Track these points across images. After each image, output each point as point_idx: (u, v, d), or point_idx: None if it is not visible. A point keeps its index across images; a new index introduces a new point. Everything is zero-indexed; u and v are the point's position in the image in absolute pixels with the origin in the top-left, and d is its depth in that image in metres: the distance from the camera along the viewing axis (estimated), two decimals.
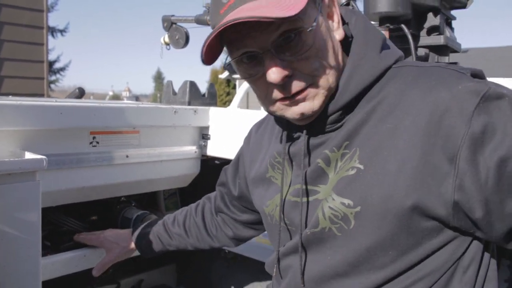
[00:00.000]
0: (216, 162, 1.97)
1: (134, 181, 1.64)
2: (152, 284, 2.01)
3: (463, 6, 1.44)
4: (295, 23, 0.81)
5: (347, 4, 1.45)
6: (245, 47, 0.85)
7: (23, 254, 1.04)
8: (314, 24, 0.82)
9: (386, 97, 0.87)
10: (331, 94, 0.89)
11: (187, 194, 2.03)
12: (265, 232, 1.25)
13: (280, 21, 0.79)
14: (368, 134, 0.87)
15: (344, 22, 0.96)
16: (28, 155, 1.14)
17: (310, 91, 0.87)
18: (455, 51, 1.51)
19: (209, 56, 0.87)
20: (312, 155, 0.96)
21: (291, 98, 0.87)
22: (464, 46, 1.61)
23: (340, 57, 0.92)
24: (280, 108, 0.90)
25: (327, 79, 0.87)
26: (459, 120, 0.76)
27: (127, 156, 1.57)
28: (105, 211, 1.76)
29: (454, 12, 1.53)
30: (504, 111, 0.77)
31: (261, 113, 1.66)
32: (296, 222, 0.98)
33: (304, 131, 0.96)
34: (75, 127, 1.42)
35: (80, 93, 2.30)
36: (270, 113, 0.97)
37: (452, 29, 1.53)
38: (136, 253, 1.53)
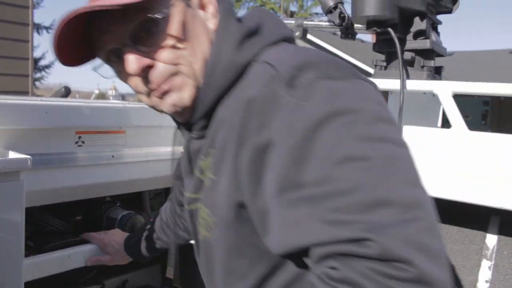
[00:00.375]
0: None
1: (119, 181, 1.63)
2: (137, 284, 2.00)
3: (449, 11, 1.46)
4: (147, 12, 0.79)
5: (335, 7, 1.46)
6: (106, 44, 0.83)
7: (5, 254, 1.03)
8: (166, 11, 0.80)
9: (237, 98, 0.81)
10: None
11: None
12: None
13: (117, 8, 0.76)
14: (219, 137, 0.83)
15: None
16: (12, 155, 1.13)
17: (176, 81, 0.83)
18: (440, 55, 1.52)
19: (70, 57, 0.87)
20: (194, 162, 0.94)
21: (159, 90, 0.83)
22: (449, 49, 1.63)
23: (206, 45, 0.86)
24: (155, 102, 0.87)
25: (192, 68, 0.83)
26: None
27: (113, 156, 1.56)
28: (90, 211, 1.75)
29: (439, 17, 1.55)
30: None
31: None
32: (191, 229, 1.00)
33: (186, 137, 0.95)
34: (61, 127, 1.41)
35: (66, 92, 2.27)
36: (155, 109, 0.92)
37: (438, 33, 1.54)
38: None
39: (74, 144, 1.46)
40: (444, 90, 1.31)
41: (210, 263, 0.92)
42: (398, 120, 1.31)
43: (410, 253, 0.58)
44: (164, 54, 0.82)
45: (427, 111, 1.64)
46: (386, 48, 1.49)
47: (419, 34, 1.42)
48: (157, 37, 0.81)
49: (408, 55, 1.44)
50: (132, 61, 0.81)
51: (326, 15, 1.51)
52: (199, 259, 1.00)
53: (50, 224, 1.57)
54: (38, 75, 18.70)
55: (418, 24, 1.40)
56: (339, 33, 1.58)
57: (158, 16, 0.80)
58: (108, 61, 0.87)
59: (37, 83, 18.52)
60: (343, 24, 1.46)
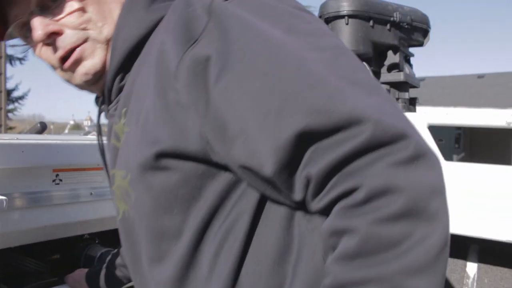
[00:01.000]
0: None
1: (98, 218, 1.61)
2: None
3: (421, 44, 1.51)
4: None
5: None
6: (16, 17, 0.81)
7: None
8: None
9: (149, 51, 0.77)
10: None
11: None
12: None
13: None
14: (136, 92, 0.78)
15: None
16: None
17: (86, 47, 0.80)
18: (414, 87, 1.57)
19: None
20: (110, 136, 0.87)
21: (70, 60, 0.80)
22: (419, 74, 1.67)
23: (116, 6, 0.82)
24: (67, 75, 0.84)
25: (101, 31, 0.81)
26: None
27: (91, 194, 1.54)
28: (68, 250, 1.71)
29: (412, 49, 1.60)
30: None
31: None
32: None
33: (101, 106, 0.90)
34: (38, 165, 1.39)
35: (42, 128, 2.24)
36: (70, 83, 0.87)
37: (410, 65, 1.59)
38: None
39: (52, 183, 1.44)
40: (420, 122, 1.34)
41: (134, 245, 0.82)
42: None
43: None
44: (71, 19, 0.80)
45: None
46: None
47: (393, 67, 1.46)
48: (63, 3, 0.79)
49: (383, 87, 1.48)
50: (37, 27, 0.78)
51: None
52: (123, 250, 0.90)
53: (26, 265, 1.52)
54: (11, 106, 18.43)
55: (392, 57, 1.44)
56: None
57: None
58: (25, 38, 0.84)
59: (10, 114, 18.24)
60: None
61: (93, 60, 0.82)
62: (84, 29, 0.80)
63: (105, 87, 0.84)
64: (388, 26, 1.38)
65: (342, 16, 1.31)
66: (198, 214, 0.70)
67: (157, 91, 0.70)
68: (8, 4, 0.81)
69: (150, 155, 0.69)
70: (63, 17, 0.79)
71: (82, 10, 0.80)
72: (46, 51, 0.82)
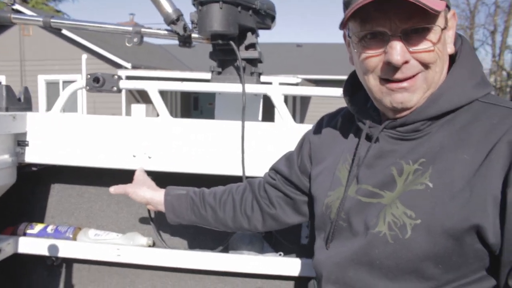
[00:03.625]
0: (34, 168, 1.90)
1: None
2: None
3: (269, 27, 1.78)
4: (430, 19, 0.90)
5: (177, 19, 1.63)
6: (378, 26, 0.91)
7: None
8: (445, 26, 0.93)
9: (469, 130, 0.93)
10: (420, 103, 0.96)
11: (2, 205, 1.90)
12: None
13: (434, 12, 0.87)
14: (445, 158, 0.92)
15: None
16: None
17: (418, 79, 0.93)
18: (261, 62, 1.83)
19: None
20: (384, 160, 1.00)
21: (399, 82, 0.94)
22: (298, 40, 1.97)
23: (446, 68, 0.98)
24: (381, 91, 0.97)
25: (434, 76, 0.94)
26: None
27: None
28: None
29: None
30: None
31: (87, 118, 1.70)
32: (354, 220, 1.01)
33: (380, 133, 1.01)
34: None
35: None
36: (369, 91, 1.01)
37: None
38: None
39: None
40: (276, 92, 1.62)
41: (367, 255, 0.96)
42: (242, 119, 1.56)
43: None
44: (424, 56, 0.91)
45: (250, 109, 1.95)
46: (221, 57, 1.74)
47: (250, 46, 1.70)
48: (425, 42, 0.91)
49: (242, 63, 1.71)
50: (399, 52, 0.89)
51: (168, 25, 1.67)
52: (338, 242, 1.04)
53: None
54: None
55: (250, 38, 1.68)
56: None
57: (440, 27, 0.91)
58: (363, 36, 0.94)
59: None
60: (185, 34, 1.65)
61: (412, 95, 0.95)
62: (427, 66, 0.93)
63: (408, 118, 0.97)
64: (250, 12, 1.61)
65: (217, 1, 1.49)
66: (456, 276, 0.90)
67: (490, 183, 0.86)
68: (381, 14, 0.89)
69: (462, 227, 0.86)
70: (417, 52, 0.91)
71: (434, 54, 0.92)
72: (377, 62, 0.94)
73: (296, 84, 14.36)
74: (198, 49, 1.71)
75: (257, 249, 1.69)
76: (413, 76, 0.94)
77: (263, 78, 1.82)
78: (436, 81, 0.96)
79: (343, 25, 0.97)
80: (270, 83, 1.97)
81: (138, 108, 15.54)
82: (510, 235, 0.84)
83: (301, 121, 18.09)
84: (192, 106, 21.90)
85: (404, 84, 0.94)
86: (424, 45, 0.91)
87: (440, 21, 0.92)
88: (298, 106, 19.47)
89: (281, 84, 10.83)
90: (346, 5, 0.99)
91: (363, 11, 0.90)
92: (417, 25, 0.89)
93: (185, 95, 20.39)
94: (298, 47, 23.84)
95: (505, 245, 0.85)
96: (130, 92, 16.02)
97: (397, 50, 0.90)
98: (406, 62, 0.91)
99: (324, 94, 1.65)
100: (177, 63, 22.40)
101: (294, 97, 18.52)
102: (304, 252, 1.74)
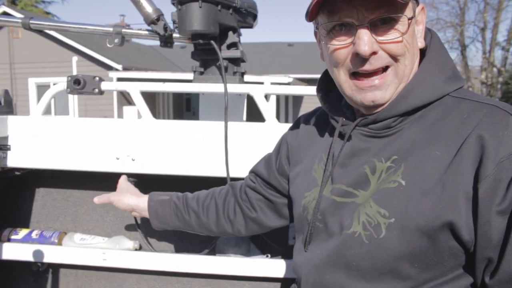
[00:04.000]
0: (17, 173, 1.88)
1: None
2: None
3: (251, 26, 1.76)
4: (398, 10, 0.89)
5: (158, 19, 1.61)
6: (346, 17, 0.90)
7: None
8: (412, 16, 0.92)
9: (440, 126, 0.92)
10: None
11: None
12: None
13: (401, 1, 0.86)
14: (417, 155, 0.91)
15: None
16: None
17: (388, 74, 0.93)
18: (243, 61, 1.82)
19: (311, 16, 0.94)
20: (357, 158, 0.99)
21: (369, 79, 0.93)
22: (289, 40, 1.95)
23: (417, 62, 0.98)
24: (352, 88, 0.96)
25: (405, 70, 0.94)
26: (491, 161, 0.83)
27: None
28: None
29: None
30: None
31: (70, 120, 1.68)
32: (330, 221, 1.00)
33: (352, 132, 1.00)
34: None
35: None
36: (340, 87, 0.99)
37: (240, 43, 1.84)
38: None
39: None
40: (258, 91, 1.60)
41: (343, 257, 0.95)
42: (225, 119, 1.54)
43: None
44: (392, 47, 0.91)
45: (234, 109, 1.94)
46: (203, 56, 1.72)
47: (232, 45, 1.69)
48: (394, 32, 0.90)
49: (223, 63, 1.69)
50: (366, 43, 0.88)
51: (149, 25, 1.65)
52: (316, 244, 1.03)
53: None
54: None
55: (231, 37, 1.66)
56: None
57: (407, 17, 0.90)
58: (331, 27, 0.93)
59: None
60: (166, 34, 1.63)
61: (385, 93, 0.94)
62: (395, 60, 0.92)
63: (379, 114, 0.96)
64: (231, 10, 1.59)
65: (196, 0, 1.48)
66: (433, 274, 0.90)
67: (461, 179, 0.85)
68: (348, 5, 0.88)
69: (435, 224, 0.85)
70: (384, 42, 0.90)
71: (402, 45, 0.91)
72: (346, 54, 0.93)
73: (288, 84, 14.36)
74: (189, 50, 1.70)
75: (244, 251, 1.68)
76: (382, 69, 0.93)
77: (254, 78, 1.81)
78: (407, 75, 0.95)
79: (309, 17, 0.95)
80: (262, 83, 1.96)
81: (130, 110, 15.47)
82: (483, 231, 0.83)
83: (294, 120, 18.07)
84: (185, 107, 21.84)
85: (375, 82, 0.93)
86: (392, 36, 0.90)
87: (408, 12, 0.92)
88: (291, 105, 19.47)
89: (272, 83, 10.82)
90: None
91: (330, 3, 0.90)
92: (384, 14, 0.89)
93: (177, 97, 20.34)
94: (290, 46, 23.85)
95: (479, 241, 0.85)
96: (121, 94, 15.96)
97: (365, 40, 0.89)
98: (374, 53, 0.91)
99: (310, 93, 1.64)
100: (168, 64, 22.32)
101: (287, 97, 18.53)
102: (292, 253, 1.72)
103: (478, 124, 0.88)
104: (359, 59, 0.92)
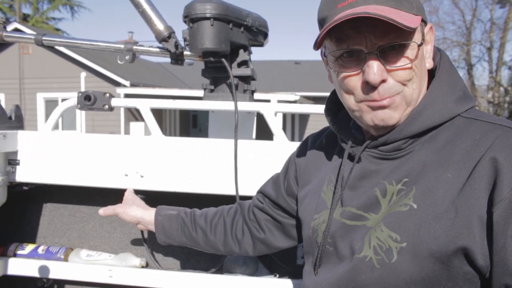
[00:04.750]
0: (25, 188, 1.88)
1: None
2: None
3: (261, 45, 1.77)
4: (407, 36, 0.88)
5: (169, 37, 1.62)
6: (355, 44, 0.89)
7: None
8: (421, 42, 0.91)
9: (452, 147, 0.90)
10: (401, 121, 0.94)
11: None
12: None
13: (408, 30, 0.84)
14: (429, 177, 0.89)
15: None
16: None
17: (396, 99, 0.91)
18: (254, 79, 1.82)
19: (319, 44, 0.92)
20: (367, 181, 0.98)
21: (379, 102, 0.92)
22: (296, 58, 1.96)
23: (425, 84, 0.96)
24: (362, 109, 0.94)
25: (412, 94, 0.92)
26: (506, 184, 0.81)
27: None
28: None
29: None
30: None
31: (79, 136, 1.68)
32: (340, 244, 0.99)
33: (361, 154, 0.99)
34: None
35: None
36: (349, 110, 0.98)
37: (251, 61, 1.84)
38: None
39: None
40: (269, 110, 1.60)
41: (354, 281, 0.93)
42: (235, 137, 1.54)
43: None
44: (400, 74, 0.89)
45: (243, 127, 1.94)
46: (213, 74, 1.73)
47: (242, 63, 1.69)
48: (402, 59, 0.89)
49: (234, 81, 1.70)
50: (376, 71, 0.88)
51: (160, 42, 1.66)
52: (326, 267, 1.01)
53: None
54: None
55: (242, 55, 1.67)
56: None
57: (419, 43, 0.89)
58: (339, 55, 0.92)
59: None
60: (177, 52, 1.64)
61: (393, 113, 0.93)
62: (403, 84, 0.91)
63: (390, 136, 0.95)
64: (242, 28, 1.60)
65: (208, 18, 1.48)
66: None
67: (476, 203, 0.83)
68: (356, 32, 0.87)
69: (449, 249, 0.83)
70: (393, 70, 0.89)
71: (410, 71, 0.91)
72: (356, 82, 0.92)
73: (295, 102, 14.40)
74: (196, 67, 1.71)
75: (251, 270, 1.66)
76: (391, 96, 0.92)
77: (261, 96, 1.82)
78: (415, 98, 0.94)
79: (317, 46, 0.94)
80: (269, 101, 1.96)
81: (137, 126, 15.55)
82: (499, 257, 0.81)
83: (300, 138, 18.13)
84: (191, 124, 21.92)
85: (384, 102, 0.92)
86: (401, 62, 0.90)
87: (417, 37, 0.91)
88: (297, 123, 19.49)
89: (279, 101, 10.86)
90: (320, 23, 0.97)
91: (338, 30, 0.89)
92: (393, 41, 0.88)
93: (184, 113, 20.43)
94: (296, 64, 23.98)
95: (495, 268, 0.82)
96: (129, 110, 16.05)
97: (374, 69, 0.88)
98: (384, 80, 0.90)
99: (319, 111, 1.63)
100: (176, 81, 22.48)
101: (293, 114, 18.57)
102: (300, 273, 1.70)
103: (491, 146, 0.86)
104: (369, 86, 0.91)
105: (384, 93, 0.90)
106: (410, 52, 0.90)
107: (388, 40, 0.87)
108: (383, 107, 0.92)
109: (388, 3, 0.88)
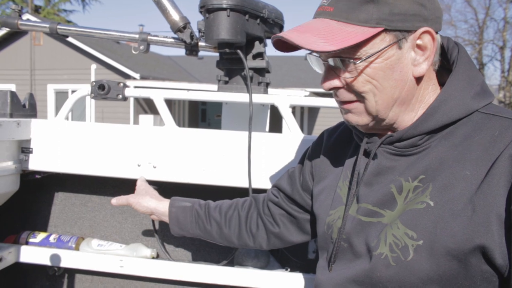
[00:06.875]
0: (37, 176, 1.88)
1: None
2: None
3: None
4: (356, 48, 0.87)
5: (184, 27, 1.61)
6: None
7: None
8: (362, 59, 0.87)
9: (470, 144, 0.89)
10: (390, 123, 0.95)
11: (4, 212, 1.88)
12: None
13: (320, 53, 0.91)
14: (446, 174, 0.88)
15: (443, 50, 0.98)
16: None
17: (357, 106, 0.93)
18: (268, 72, 1.81)
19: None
20: (382, 177, 0.97)
21: (341, 104, 0.96)
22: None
23: (410, 89, 0.92)
24: (342, 111, 0.99)
25: (375, 106, 0.91)
26: None
27: None
28: None
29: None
30: None
31: (92, 126, 1.68)
32: (355, 241, 0.98)
33: (377, 150, 0.98)
34: None
35: None
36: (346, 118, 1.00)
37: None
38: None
39: None
40: (284, 102, 1.59)
41: (369, 278, 0.92)
42: (249, 129, 1.53)
43: None
44: (354, 84, 0.91)
45: (257, 119, 1.93)
46: (228, 66, 1.71)
47: (258, 55, 1.68)
48: (348, 73, 0.90)
49: (249, 73, 1.68)
50: (324, 79, 0.94)
51: (175, 33, 1.65)
52: (341, 264, 1.01)
53: None
54: None
55: (258, 47, 1.65)
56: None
57: (357, 61, 0.87)
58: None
59: None
60: (192, 42, 1.63)
61: (358, 118, 0.95)
62: (361, 96, 0.92)
63: (405, 132, 0.94)
64: (258, 20, 1.58)
65: (225, 9, 1.47)
66: None
67: (493, 201, 0.82)
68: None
69: (466, 247, 0.82)
70: (345, 78, 0.92)
71: (364, 82, 0.91)
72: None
73: None
74: (206, 61, 1.70)
75: (263, 263, 1.65)
76: (348, 101, 0.95)
77: (270, 91, 1.80)
78: (381, 110, 0.92)
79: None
80: None
81: (146, 119, 15.58)
82: None
83: (309, 132, 18.08)
84: (200, 117, 21.95)
85: (344, 106, 0.96)
86: (349, 75, 0.90)
87: (375, 46, 0.87)
88: (306, 118, 19.44)
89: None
90: None
91: None
92: (335, 55, 0.90)
93: (193, 107, 20.44)
94: (306, 60, 23.88)
95: None
96: (138, 102, 16.10)
97: (323, 76, 0.95)
98: (337, 88, 0.93)
99: (332, 105, 1.62)
100: (185, 74, 22.50)
101: (302, 109, 18.51)
102: (311, 267, 1.69)
103: (510, 142, 0.85)
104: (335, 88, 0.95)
105: (341, 96, 0.95)
106: (353, 67, 0.89)
107: (327, 55, 0.91)
108: (347, 110, 0.96)
109: (337, 17, 0.87)
